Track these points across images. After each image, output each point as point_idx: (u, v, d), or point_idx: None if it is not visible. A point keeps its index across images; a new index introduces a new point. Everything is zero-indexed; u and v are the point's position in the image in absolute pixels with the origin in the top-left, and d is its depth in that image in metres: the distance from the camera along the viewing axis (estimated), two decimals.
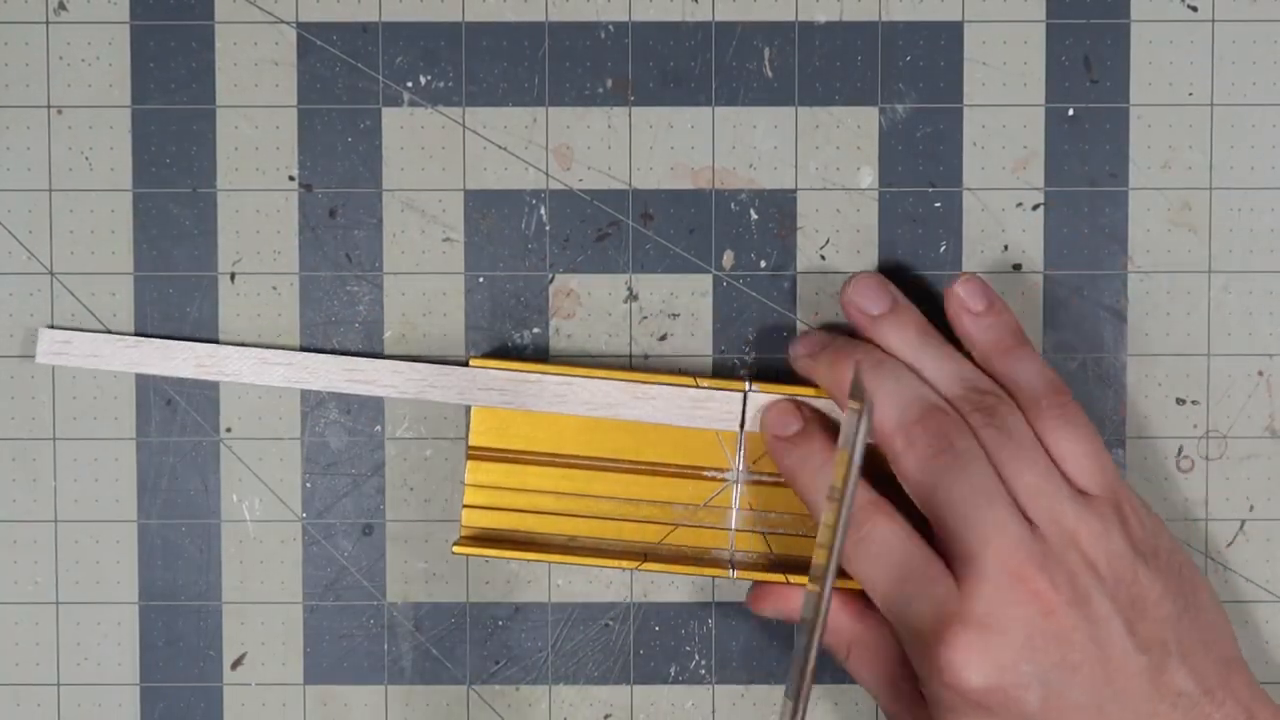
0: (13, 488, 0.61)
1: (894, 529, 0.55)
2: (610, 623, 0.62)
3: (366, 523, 0.61)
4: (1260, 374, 0.62)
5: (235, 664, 0.61)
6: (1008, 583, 0.53)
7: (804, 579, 0.59)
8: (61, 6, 0.61)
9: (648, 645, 0.62)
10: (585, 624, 0.62)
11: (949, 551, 0.54)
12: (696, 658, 0.62)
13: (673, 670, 0.62)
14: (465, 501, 0.60)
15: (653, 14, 0.61)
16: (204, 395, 0.61)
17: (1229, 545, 0.62)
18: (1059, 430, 0.56)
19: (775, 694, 0.62)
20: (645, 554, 0.60)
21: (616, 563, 0.59)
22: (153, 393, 0.61)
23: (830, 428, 0.59)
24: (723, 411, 0.60)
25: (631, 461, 0.60)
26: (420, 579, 0.62)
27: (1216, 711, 0.54)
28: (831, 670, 0.62)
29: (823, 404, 0.59)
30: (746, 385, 0.60)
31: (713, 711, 0.62)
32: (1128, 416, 0.61)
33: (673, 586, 0.62)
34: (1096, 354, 0.61)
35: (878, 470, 0.58)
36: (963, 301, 0.58)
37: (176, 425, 0.61)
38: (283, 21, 0.61)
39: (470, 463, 0.60)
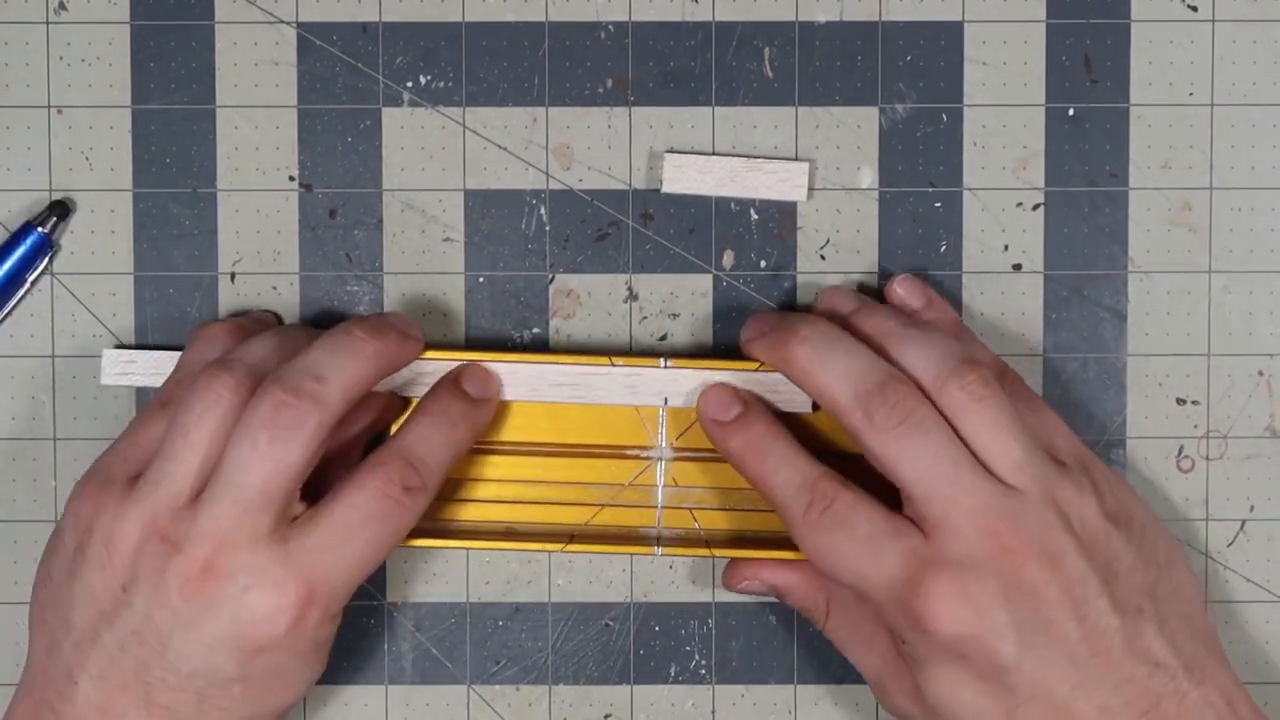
0: (13, 488, 0.61)
1: (853, 495, 0.55)
2: (610, 623, 0.62)
3: None
4: (1260, 374, 0.62)
5: None
6: (979, 537, 0.53)
7: (729, 552, 0.59)
8: (62, 6, 0.61)
9: (648, 645, 0.62)
10: (585, 624, 0.62)
11: (918, 517, 0.54)
12: (696, 658, 0.62)
13: (673, 670, 0.62)
14: None
15: (653, 14, 0.61)
16: None
17: (1229, 545, 0.62)
18: (1023, 406, 0.56)
19: (775, 694, 0.62)
20: (572, 535, 0.60)
21: (543, 545, 0.59)
22: (152, 392, 0.61)
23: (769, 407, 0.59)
24: (647, 390, 0.59)
25: (554, 444, 0.60)
26: (420, 579, 0.62)
27: (1195, 690, 0.53)
28: (832, 670, 0.62)
29: (757, 379, 0.59)
30: (662, 362, 0.59)
31: (713, 712, 0.62)
32: (1128, 416, 0.61)
33: (672, 586, 0.62)
34: (1096, 354, 0.61)
35: (825, 446, 0.58)
36: (902, 300, 0.59)
37: None
38: (283, 21, 0.61)
39: None
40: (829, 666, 0.62)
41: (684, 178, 0.61)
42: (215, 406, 0.54)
